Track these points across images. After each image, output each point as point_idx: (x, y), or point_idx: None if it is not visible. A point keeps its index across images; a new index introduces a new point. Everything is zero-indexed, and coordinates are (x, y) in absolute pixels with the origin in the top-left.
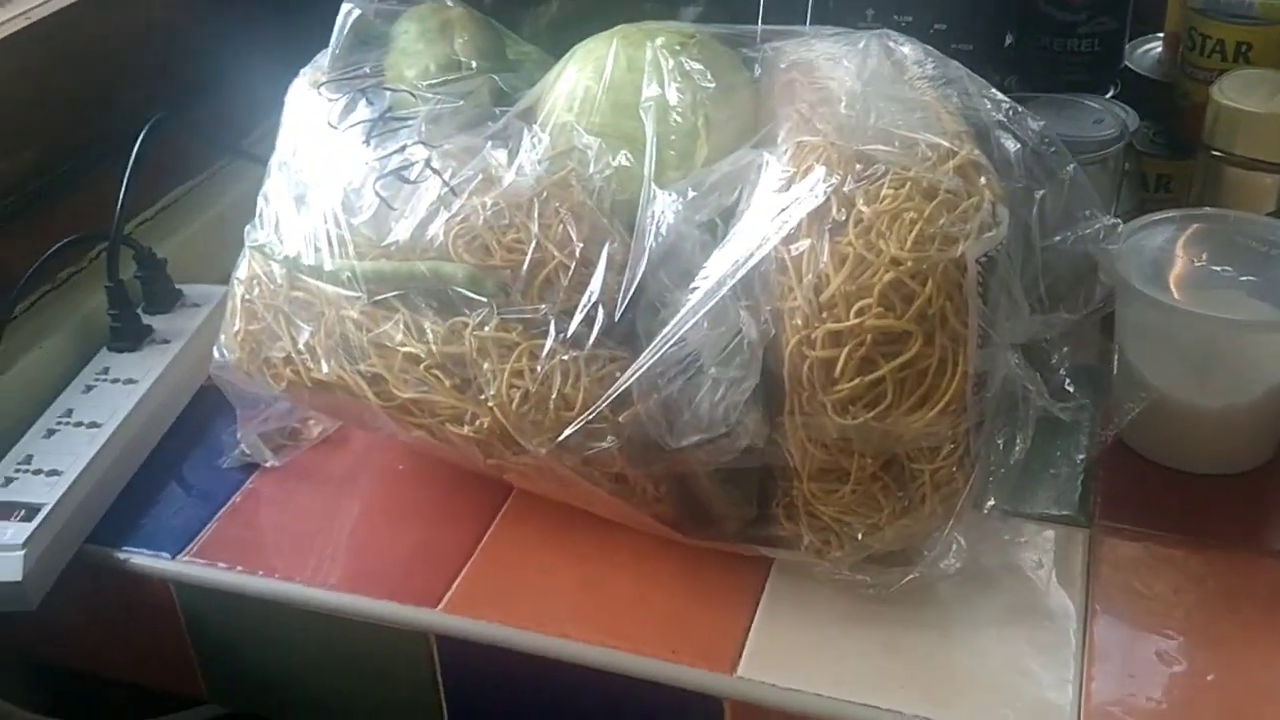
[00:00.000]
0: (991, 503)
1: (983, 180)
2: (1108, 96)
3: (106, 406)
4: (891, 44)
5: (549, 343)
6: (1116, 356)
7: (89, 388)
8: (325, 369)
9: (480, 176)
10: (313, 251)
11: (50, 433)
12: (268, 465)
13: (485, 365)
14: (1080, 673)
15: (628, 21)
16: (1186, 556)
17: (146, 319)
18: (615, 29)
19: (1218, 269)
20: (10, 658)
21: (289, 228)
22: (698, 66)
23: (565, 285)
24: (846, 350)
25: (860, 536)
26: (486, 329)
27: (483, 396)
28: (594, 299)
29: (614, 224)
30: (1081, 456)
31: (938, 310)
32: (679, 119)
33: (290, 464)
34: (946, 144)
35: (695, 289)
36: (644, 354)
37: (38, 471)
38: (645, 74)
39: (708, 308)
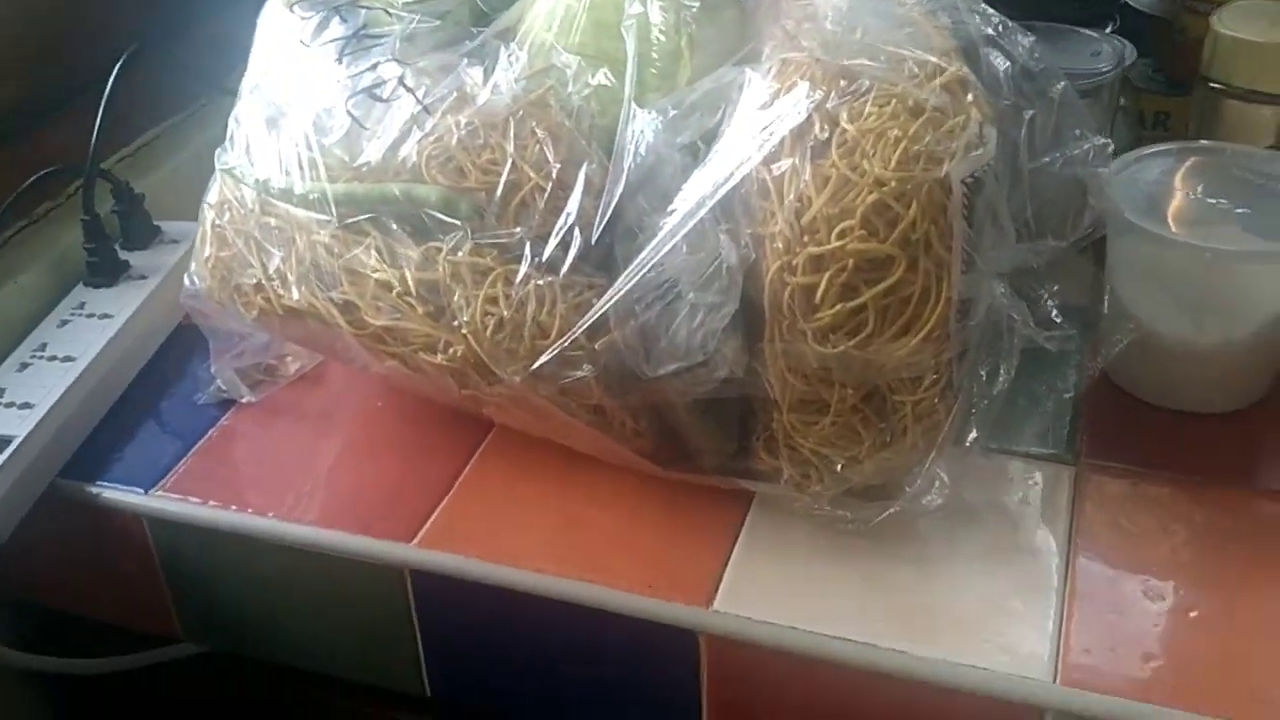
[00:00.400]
0: (974, 436)
1: (970, 98)
2: (1106, 32)
3: (81, 341)
4: None
5: (523, 268)
6: (1107, 292)
7: (64, 322)
8: (296, 295)
9: (455, 95)
10: (283, 175)
11: (23, 366)
12: (244, 401)
13: (459, 291)
14: (1061, 610)
15: None
16: (1174, 494)
17: (124, 254)
18: None
19: (1214, 202)
20: None
21: (260, 150)
22: None
23: (541, 208)
24: (828, 276)
25: (839, 469)
26: (460, 254)
27: (456, 323)
28: (570, 222)
29: (592, 145)
30: (1069, 394)
31: (922, 234)
32: (661, 38)
33: (267, 400)
34: (934, 60)
35: (673, 211)
36: (620, 279)
37: (9, 405)
38: None
39: (686, 231)
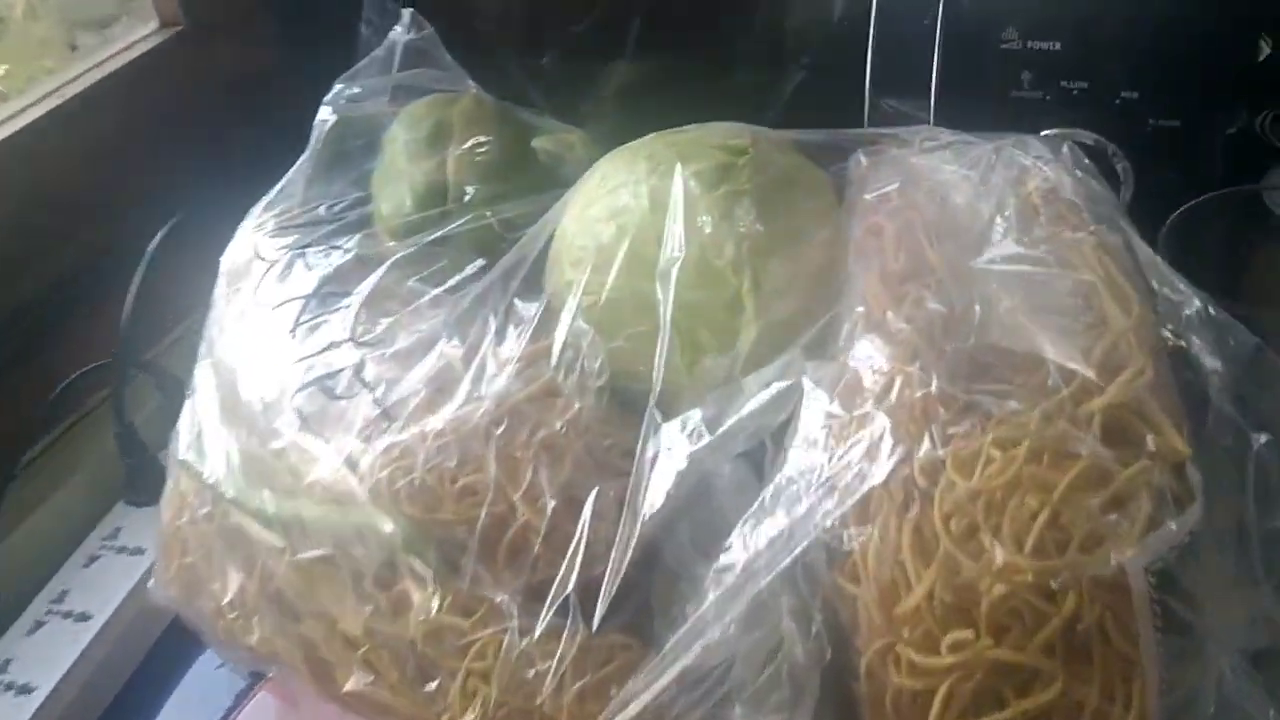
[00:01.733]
0: None
1: (1152, 440)
2: None
3: (104, 588)
4: (1027, 160)
5: (509, 636)
6: None
7: (92, 559)
8: (256, 635)
9: (425, 391)
10: (233, 477)
11: (36, 626)
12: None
13: (437, 660)
14: None
15: (713, 87)
16: None
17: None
18: (649, 138)
19: None
20: None
21: (212, 440)
22: (746, 202)
23: (537, 552)
24: (949, 686)
25: None
26: (434, 610)
27: (438, 708)
28: (575, 575)
29: (610, 459)
30: None
31: (1092, 626)
32: (715, 284)
33: None
34: (1089, 374)
35: (721, 572)
36: (647, 670)
37: (9, 687)
38: (671, 217)
39: (736, 604)
